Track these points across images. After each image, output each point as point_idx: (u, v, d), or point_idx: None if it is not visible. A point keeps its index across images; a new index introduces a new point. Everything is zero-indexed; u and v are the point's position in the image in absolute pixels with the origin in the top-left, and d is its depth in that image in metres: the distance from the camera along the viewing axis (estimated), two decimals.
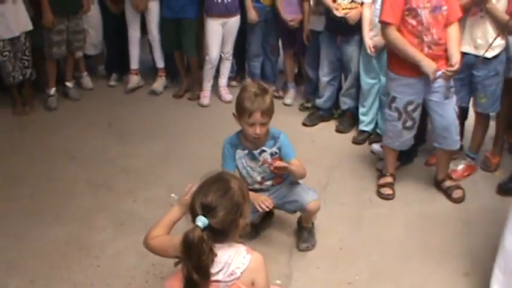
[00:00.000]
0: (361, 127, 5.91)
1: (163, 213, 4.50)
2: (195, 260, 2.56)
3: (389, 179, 4.97)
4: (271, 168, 3.98)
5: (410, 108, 4.60)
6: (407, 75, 4.50)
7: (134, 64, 7.24)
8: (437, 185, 4.95)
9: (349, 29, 5.67)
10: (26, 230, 4.36)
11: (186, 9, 6.66)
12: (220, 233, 2.61)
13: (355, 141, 5.85)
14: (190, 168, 5.20)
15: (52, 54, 6.57)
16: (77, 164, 5.40)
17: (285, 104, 6.81)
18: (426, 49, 4.38)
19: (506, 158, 5.37)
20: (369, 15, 5.50)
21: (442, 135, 4.67)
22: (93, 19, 7.20)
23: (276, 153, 4.01)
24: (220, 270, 2.63)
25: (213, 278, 2.62)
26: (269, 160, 4.00)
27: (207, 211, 2.58)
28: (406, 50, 4.38)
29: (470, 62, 4.74)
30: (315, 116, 6.32)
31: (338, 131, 6.12)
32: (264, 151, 3.99)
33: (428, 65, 4.34)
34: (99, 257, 4.06)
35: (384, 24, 4.47)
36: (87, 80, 7.38)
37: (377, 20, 5.03)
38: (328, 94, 6.21)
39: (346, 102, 6.13)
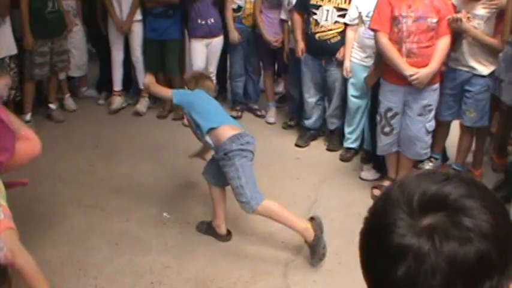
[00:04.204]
0: (347, 144, 5.98)
1: (156, 231, 4.61)
2: None
3: (386, 183, 5.13)
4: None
5: (389, 114, 4.83)
6: (390, 81, 4.76)
7: (117, 85, 7.25)
8: None
9: (334, 52, 5.77)
10: None
11: (169, 31, 6.75)
12: None
13: (343, 159, 5.93)
14: (180, 186, 5.28)
15: (33, 75, 6.54)
16: (66, 186, 5.40)
17: (268, 123, 6.89)
18: (404, 57, 4.59)
19: (488, 170, 5.52)
20: (353, 36, 5.60)
21: (405, 144, 4.90)
22: (76, 40, 7.23)
23: None
24: None
25: None
26: None
27: None
28: (391, 57, 4.63)
29: (464, 78, 4.91)
30: (307, 136, 6.36)
31: (329, 149, 6.18)
32: None
33: (422, 79, 4.58)
34: (97, 277, 4.09)
35: (374, 31, 4.74)
36: (70, 102, 7.36)
37: (368, 42, 5.18)
38: (317, 114, 6.30)
39: (334, 122, 6.21)
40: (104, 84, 7.62)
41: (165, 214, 4.86)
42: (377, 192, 5.08)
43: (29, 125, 6.47)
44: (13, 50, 6.35)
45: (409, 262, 0.97)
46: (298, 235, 4.42)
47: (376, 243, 1.04)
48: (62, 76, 7.11)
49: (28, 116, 6.65)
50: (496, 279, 0.97)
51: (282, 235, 4.53)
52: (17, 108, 6.64)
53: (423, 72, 4.56)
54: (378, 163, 5.39)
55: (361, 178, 5.47)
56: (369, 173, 5.47)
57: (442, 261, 0.95)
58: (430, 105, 4.75)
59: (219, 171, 4.27)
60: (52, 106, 7.02)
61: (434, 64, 4.58)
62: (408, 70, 4.56)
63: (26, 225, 4.69)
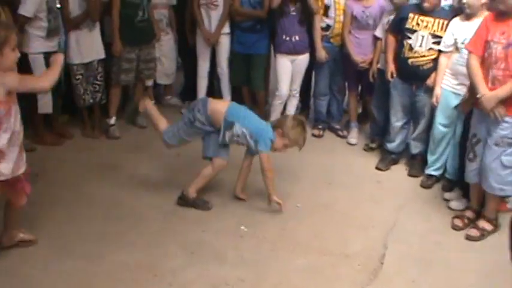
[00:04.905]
0: (429, 171, 5.84)
1: (233, 244, 4.61)
2: None
3: (468, 213, 5.04)
4: None
5: (473, 140, 4.78)
6: (478, 107, 4.66)
7: (201, 95, 7.30)
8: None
9: (425, 77, 5.67)
10: (98, 253, 4.41)
11: (257, 45, 6.80)
12: None
13: (424, 185, 5.80)
14: (260, 201, 5.26)
15: (119, 81, 6.70)
16: (147, 190, 5.45)
17: (349, 144, 6.84)
18: (490, 84, 4.50)
19: None
20: (446, 63, 5.48)
21: (482, 174, 4.75)
22: (167, 49, 7.36)
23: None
24: None
25: None
26: None
27: None
28: (474, 79, 4.60)
29: None
30: (388, 159, 6.26)
31: (411, 175, 6.04)
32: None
33: (485, 101, 4.48)
34: (171, 283, 4.11)
35: (467, 51, 4.70)
36: None
37: (461, 69, 5.09)
38: (401, 138, 6.20)
39: (417, 146, 6.10)
40: (188, 93, 7.69)
41: (242, 227, 4.86)
42: (458, 222, 4.97)
43: (114, 128, 6.65)
44: (101, 54, 6.55)
45: None
46: (376, 259, 4.40)
47: None
48: (149, 83, 7.23)
49: (113, 120, 6.80)
50: None
51: (359, 258, 4.49)
52: (102, 111, 6.79)
53: (487, 95, 4.46)
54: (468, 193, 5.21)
55: (450, 208, 5.30)
56: (459, 203, 5.31)
57: None
58: (510, 138, 4.57)
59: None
60: None
61: (501, 90, 4.43)
62: (481, 93, 4.49)
63: (105, 226, 4.81)
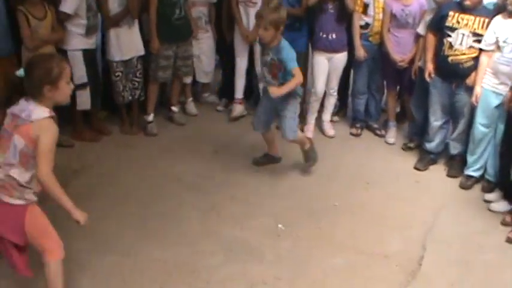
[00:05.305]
0: (469, 172, 5.77)
1: (270, 242, 4.60)
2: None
3: None
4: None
5: None
6: None
7: (239, 93, 7.29)
8: None
9: (466, 76, 5.60)
10: (136, 249, 4.46)
11: (295, 43, 6.69)
12: (28, 87, 3.45)
13: (463, 186, 5.73)
14: (297, 200, 5.29)
15: (157, 78, 6.72)
16: (183, 188, 5.47)
17: (387, 143, 6.78)
18: None
19: None
20: (486, 62, 5.40)
21: None
22: (206, 47, 7.32)
23: (274, 60, 5.40)
24: (23, 111, 3.40)
25: (17, 113, 3.43)
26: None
27: (27, 67, 3.52)
28: None
29: None
30: (427, 159, 6.18)
31: (450, 175, 5.97)
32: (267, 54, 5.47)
33: None
34: (209, 281, 4.14)
35: None
36: (191, 106, 7.47)
37: (502, 68, 5.00)
38: (440, 138, 6.13)
39: (456, 147, 6.03)
40: (225, 91, 7.69)
41: (280, 226, 4.85)
42: (508, 218, 4.93)
43: (152, 125, 6.68)
44: (141, 51, 6.57)
45: None
46: (414, 260, 4.37)
47: None
48: (188, 80, 7.23)
49: (150, 117, 6.81)
50: None
51: (397, 258, 4.47)
52: (141, 108, 6.82)
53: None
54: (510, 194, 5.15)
55: (490, 210, 5.24)
56: (499, 205, 5.24)
57: None
58: None
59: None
60: (174, 109, 7.15)
61: None
62: None
63: (142, 223, 4.84)
